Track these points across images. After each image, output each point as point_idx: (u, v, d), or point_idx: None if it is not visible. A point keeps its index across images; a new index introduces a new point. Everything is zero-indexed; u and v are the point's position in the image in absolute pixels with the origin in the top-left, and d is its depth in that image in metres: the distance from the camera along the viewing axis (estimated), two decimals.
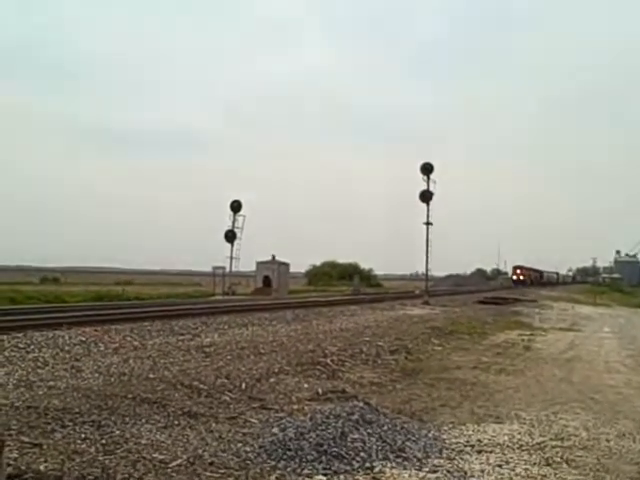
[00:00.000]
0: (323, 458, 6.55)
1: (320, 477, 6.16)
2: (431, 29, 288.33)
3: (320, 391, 10.40)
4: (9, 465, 5.49)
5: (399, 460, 6.75)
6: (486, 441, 7.80)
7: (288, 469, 6.34)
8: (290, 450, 6.73)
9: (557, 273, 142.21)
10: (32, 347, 13.40)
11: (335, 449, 6.71)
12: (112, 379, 10.36)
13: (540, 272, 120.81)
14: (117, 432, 7.33)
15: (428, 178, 43.51)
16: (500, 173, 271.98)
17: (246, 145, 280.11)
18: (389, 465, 6.58)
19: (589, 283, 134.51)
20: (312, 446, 6.76)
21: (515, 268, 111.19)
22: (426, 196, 43.50)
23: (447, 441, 7.69)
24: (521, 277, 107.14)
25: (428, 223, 43.67)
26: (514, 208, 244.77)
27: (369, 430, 7.27)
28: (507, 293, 57.40)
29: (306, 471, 6.30)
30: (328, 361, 13.35)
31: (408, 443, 7.24)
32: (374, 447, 6.92)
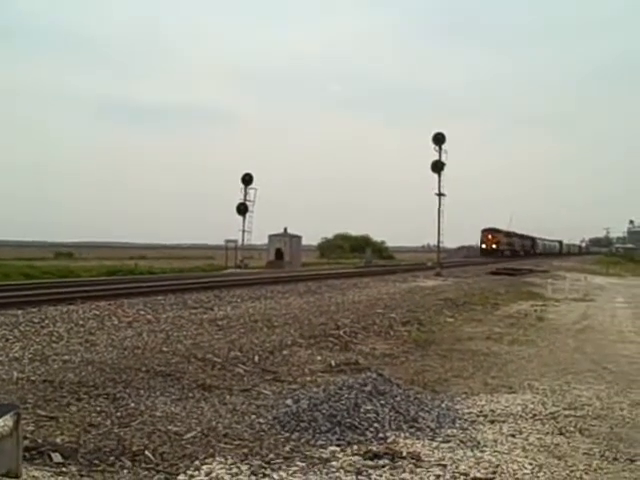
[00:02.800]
0: (337, 429, 6.58)
1: (334, 448, 6.18)
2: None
3: (333, 363, 10.44)
4: (26, 438, 5.54)
5: (412, 430, 6.78)
6: (499, 411, 7.81)
7: (302, 440, 6.37)
8: (304, 421, 6.76)
9: (560, 242, 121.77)
10: (47, 322, 13.50)
11: (348, 420, 6.73)
12: (126, 352, 10.43)
13: (531, 239, 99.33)
14: (132, 405, 7.39)
15: (440, 148, 43.13)
16: (515, 144, 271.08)
17: (260, 117, 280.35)
18: (402, 435, 6.60)
19: (602, 254, 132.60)
20: (325, 417, 6.79)
21: (485, 233, 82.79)
22: (438, 166, 43.19)
23: (460, 411, 7.71)
24: (494, 245, 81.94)
25: (440, 194, 43.45)
26: (528, 179, 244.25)
27: (382, 401, 7.28)
28: (519, 264, 57.22)
29: (320, 442, 6.33)
30: (341, 333, 13.39)
31: (421, 413, 7.26)
32: (387, 418, 6.94)
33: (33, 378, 8.36)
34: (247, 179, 50.42)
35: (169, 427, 6.62)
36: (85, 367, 9.12)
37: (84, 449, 5.81)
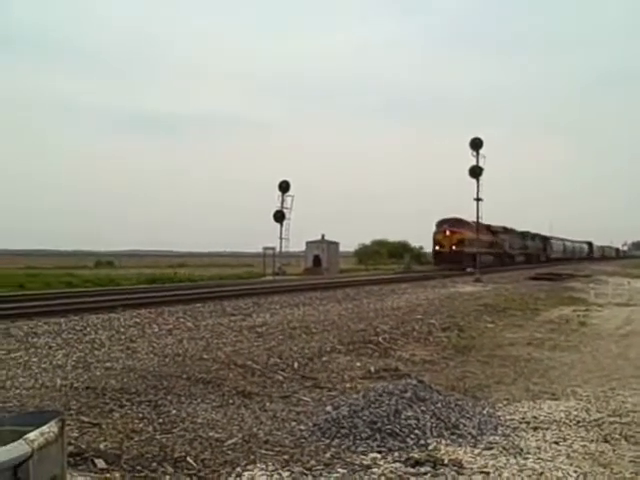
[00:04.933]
0: (377, 436, 6.55)
1: (374, 455, 6.16)
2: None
3: (372, 369, 10.40)
4: (70, 444, 5.61)
5: (454, 437, 6.71)
6: (542, 418, 7.69)
7: (342, 447, 6.36)
8: (344, 428, 6.74)
9: (589, 243, 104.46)
10: (88, 329, 13.70)
11: (389, 427, 6.70)
12: (167, 360, 10.52)
13: (542, 238, 76.82)
14: (173, 411, 7.45)
15: (477, 153, 42.72)
16: (551, 149, 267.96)
17: (297, 126, 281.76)
18: (444, 442, 6.54)
19: None
20: (366, 424, 6.76)
21: (442, 226, 52.78)
22: (475, 172, 42.78)
23: (502, 418, 7.61)
24: (454, 246, 51.80)
25: (478, 199, 43.01)
26: (568, 183, 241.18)
27: (423, 407, 7.22)
28: (560, 269, 56.44)
29: (360, 449, 6.30)
30: (380, 339, 13.34)
31: (462, 420, 7.19)
32: (428, 424, 6.88)
33: (76, 385, 8.47)
34: (284, 186, 50.54)
35: (210, 434, 6.66)
36: (127, 374, 9.21)
37: (127, 455, 5.87)
